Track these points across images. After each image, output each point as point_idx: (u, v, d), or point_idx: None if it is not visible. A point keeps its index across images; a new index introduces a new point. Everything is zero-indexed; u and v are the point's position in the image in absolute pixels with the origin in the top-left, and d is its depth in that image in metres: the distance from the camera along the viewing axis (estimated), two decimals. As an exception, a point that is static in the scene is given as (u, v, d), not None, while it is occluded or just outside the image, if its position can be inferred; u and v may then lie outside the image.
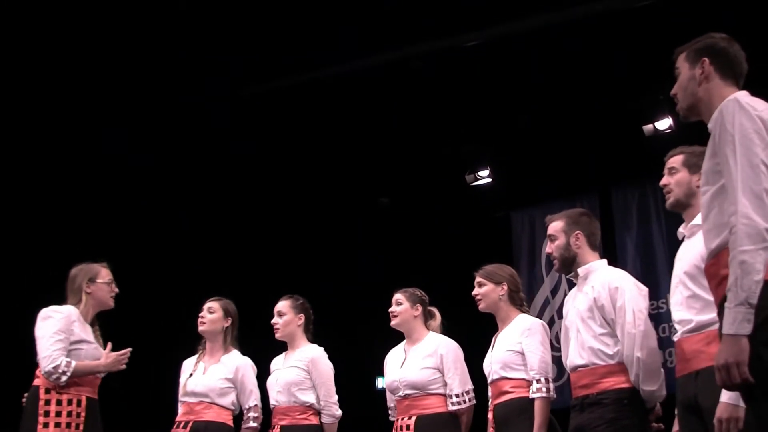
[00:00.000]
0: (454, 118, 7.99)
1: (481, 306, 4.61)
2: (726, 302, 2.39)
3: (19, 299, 6.17)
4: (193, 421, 4.94)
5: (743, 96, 2.60)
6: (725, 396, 2.84)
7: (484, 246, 8.11)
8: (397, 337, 5.04)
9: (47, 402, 4.37)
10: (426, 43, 7.09)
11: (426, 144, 8.30)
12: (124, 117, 7.43)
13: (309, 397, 5.01)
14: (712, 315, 3.01)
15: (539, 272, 8.77)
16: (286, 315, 5.14)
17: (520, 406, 4.37)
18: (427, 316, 4.96)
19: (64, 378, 4.37)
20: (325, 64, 7.28)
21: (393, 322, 4.91)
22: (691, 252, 3.35)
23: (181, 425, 4.97)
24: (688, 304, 3.34)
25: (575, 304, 4.02)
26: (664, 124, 7.69)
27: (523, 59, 7.30)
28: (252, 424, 5.05)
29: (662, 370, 3.83)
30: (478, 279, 4.62)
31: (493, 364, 4.52)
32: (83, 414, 4.41)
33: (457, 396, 4.70)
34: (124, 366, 4.57)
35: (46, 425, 4.32)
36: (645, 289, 3.95)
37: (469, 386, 4.76)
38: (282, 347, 5.25)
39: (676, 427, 3.49)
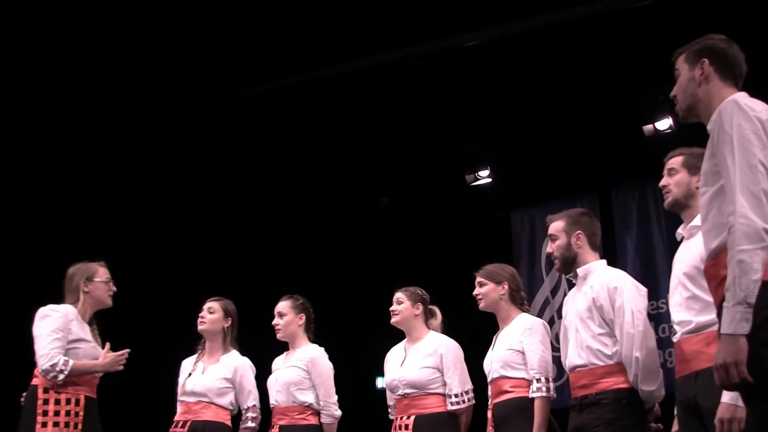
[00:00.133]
0: (454, 118, 7.99)
1: (482, 305, 4.61)
2: (724, 302, 2.39)
3: (19, 299, 6.16)
4: (192, 420, 4.94)
5: (742, 97, 2.60)
6: (726, 396, 2.84)
7: (484, 246, 8.11)
8: (397, 337, 5.04)
9: (45, 401, 4.36)
10: (426, 43, 7.08)
11: (426, 144, 8.30)
12: (124, 117, 7.43)
13: (308, 397, 5.01)
14: (712, 316, 3.01)
15: (539, 272, 8.77)
16: (286, 315, 5.14)
17: (520, 406, 4.36)
18: (428, 315, 4.96)
19: (61, 376, 4.36)
20: (325, 64, 7.27)
21: (393, 320, 4.91)
22: (690, 253, 3.34)
23: (180, 425, 4.97)
24: (687, 306, 3.33)
25: (574, 304, 4.02)
26: (664, 124, 7.69)
27: (523, 59, 7.29)
28: (250, 424, 5.05)
29: (661, 370, 3.83)
30: (478, 279, 4.62)
31: (493, 363, 4.52)
32: (82, 413, 4.41)
33: (456, 396, 4.70)
34: (121, 367, 4.56)
35: (44, 425, 4.31)
36: (644, 290, 3.95)
37: (469, 386, 4.76)
38: (282, 347, 5.25)
39: (675, 427, 3.49)
